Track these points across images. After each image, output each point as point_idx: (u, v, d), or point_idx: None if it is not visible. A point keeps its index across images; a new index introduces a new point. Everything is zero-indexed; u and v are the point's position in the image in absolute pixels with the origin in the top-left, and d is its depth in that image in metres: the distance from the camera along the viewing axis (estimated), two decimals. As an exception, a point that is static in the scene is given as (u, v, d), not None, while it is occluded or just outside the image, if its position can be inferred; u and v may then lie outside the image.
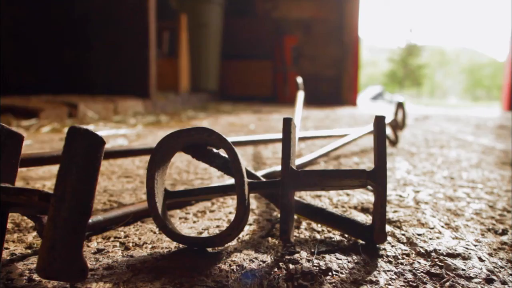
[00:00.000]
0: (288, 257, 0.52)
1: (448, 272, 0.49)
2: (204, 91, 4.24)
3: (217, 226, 0.64)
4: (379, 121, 0.54)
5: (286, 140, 0.53)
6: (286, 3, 4.93)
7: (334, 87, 4.94)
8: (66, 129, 1.20)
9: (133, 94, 2.82)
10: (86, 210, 0.39)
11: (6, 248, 0.53)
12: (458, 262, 0.52)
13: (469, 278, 0.47)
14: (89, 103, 2.29)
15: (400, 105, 1.61)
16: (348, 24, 4.87)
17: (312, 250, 0.54)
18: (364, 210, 0.74)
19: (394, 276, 0.48)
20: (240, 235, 0.59)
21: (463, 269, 0.50)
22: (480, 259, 0.53)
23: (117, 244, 0.56)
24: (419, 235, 0.61)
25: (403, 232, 0.63)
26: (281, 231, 0.51)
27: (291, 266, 0.49)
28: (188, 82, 3.89)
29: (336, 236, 0.60)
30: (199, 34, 4.15)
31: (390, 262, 0.52)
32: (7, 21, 2.95)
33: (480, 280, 0.47)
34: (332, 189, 0.57)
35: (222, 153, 0.58)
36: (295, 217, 0.66)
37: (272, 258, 0.52)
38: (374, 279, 0.47)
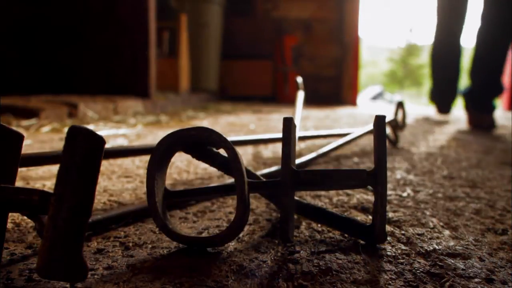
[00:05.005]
0: (288, 257, 0.52)
1: (448, 272, 0.49)
2: (204, 91, 4.24)
3: (217, 226, 0.64)
4: (379, 121, 0.54)
5: (286, 140, 0.53)
6: (286, 3, 4.93)
7: (334, 87, 4.94)
8: (66, 129, 1.20)
9: (133, 94, 2.82)
10: (86, 210, 0.39)
11: (6, 248, 0.53)
12: (458, 262, 0.52)
13: (469, 278, 0.47)
14: (89, 103, 2.28)
15: (400, 105, 1.61)
16: (348, 24, 4.86)
17: (312, 250, 0.54)
18: (364, 210, 0.74)
19: (394, 276, 0.48)
20: (240, 235, 0.59)
21: (463, 269, 0.50)
22: (480, 259, 0.53)
23: (117, 244, 0.56)
24: (419, 235, 0.61)
25: (403, 232, 0.63)
26: (281, 231, 0.51)
27: (291, 266, 0.50)
28: (188, 82, 3.89)
29: (336, 236, 0.60)
30: (199, 34, 4.15)
31: (390, 262, 0.52)
32: (7, 20, 2.95)
33: (480, 280, 0.47)
34: (332, 189, 0.57)
35: (222, 153, 0.58)
36: (295, 217, 0.66)
37: (272, 258, 0.52)
38: (374, 279, 0.47)
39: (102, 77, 2.95)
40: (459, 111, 3.64)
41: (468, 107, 2.44)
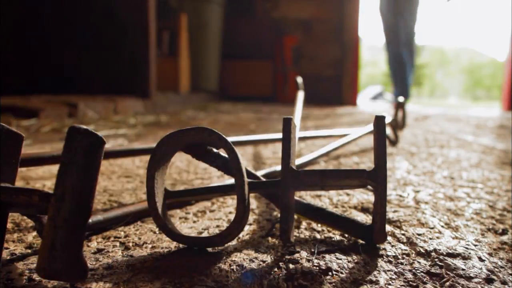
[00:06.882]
0: (288, 257, 0.52)
1: (448, 272, 0.49)
2: (204, 91, 4.24)
3: (217, 226, 0.64)
4: (379, 121, 0.54)
5: (286, 140, 0.53)
6: (286, 3, 4.93)
7: (334, 87, 4.94)
8: (66, 129, 1.20)
9: (133, 94, 2.82)
10: (86, 210, 0.39)
11: (6, 248, 0.53)
12: (458, 262, 0.52)
13: (469, 278, 0.47)
14: (89, 103, 2.29)
15: (400, 105, 1.61)
16: (348, 24, 4.86)
17: (312, 250, 0.54)
18: (364, 210, 0.74)
19: (394, 276, 0.48)
20: (240, 235, 0.59)
21: (463, 269, 0.50)
22: (480, 259, 0.53)
23: (117, 244, 0.56)
24: (419, 235, 0.61)
25: (403, 232, 0.63)
26: (281, 231, 0.51)
27: (291, 266, 0.49)
28: (188, 82, 3.89)
29: (336, 236, 0.60)
30: (199, 34, 4.15)
31: (390, 262, 0.52)
32: (7, 20, 2.95)
33: (480, 280, 0.47)
34: (332, 189, 0.57)
35: (222, 153, 0.58)
36: (295, 217, 0.66)
37: (272, 258, 0.52)
38: (374, 279, 0.47)
39: (102, 77, 2.95)
40: (459, 111, 3.63)
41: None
